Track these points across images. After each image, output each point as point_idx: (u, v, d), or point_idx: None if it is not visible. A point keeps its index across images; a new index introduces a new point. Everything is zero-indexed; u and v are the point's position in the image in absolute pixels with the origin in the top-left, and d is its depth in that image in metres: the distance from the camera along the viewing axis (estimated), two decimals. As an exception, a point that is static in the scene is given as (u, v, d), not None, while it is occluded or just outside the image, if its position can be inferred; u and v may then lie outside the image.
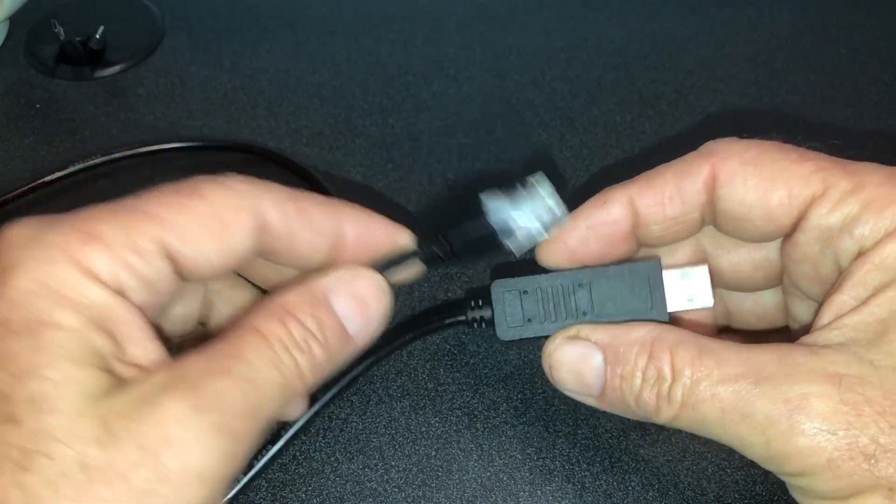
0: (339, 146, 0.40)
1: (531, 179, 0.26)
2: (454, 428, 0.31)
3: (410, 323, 0.32)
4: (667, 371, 0.23)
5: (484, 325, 0.29)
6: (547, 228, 0.26)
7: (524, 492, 0.29)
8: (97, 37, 0.43)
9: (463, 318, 0.29)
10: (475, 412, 0.31)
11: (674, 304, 0.27)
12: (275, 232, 0.22)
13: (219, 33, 0.45)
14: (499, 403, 0.31)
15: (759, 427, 0.22)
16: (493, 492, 0.29)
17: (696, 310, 0.27)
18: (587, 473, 0.30)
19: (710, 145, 0.26)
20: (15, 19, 0.44)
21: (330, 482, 0.30)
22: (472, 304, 0.29)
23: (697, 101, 0.42)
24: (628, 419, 0.31)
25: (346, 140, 0.40)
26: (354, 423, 0.31)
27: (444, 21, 0.46)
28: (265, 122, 0.41)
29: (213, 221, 0.21)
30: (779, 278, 0.27)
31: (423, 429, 0.31)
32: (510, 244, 0.26)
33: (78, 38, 0.43)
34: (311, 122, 0.41)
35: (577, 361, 0.25)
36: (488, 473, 0.30)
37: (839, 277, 0.24)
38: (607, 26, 0.46)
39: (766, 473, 0.29)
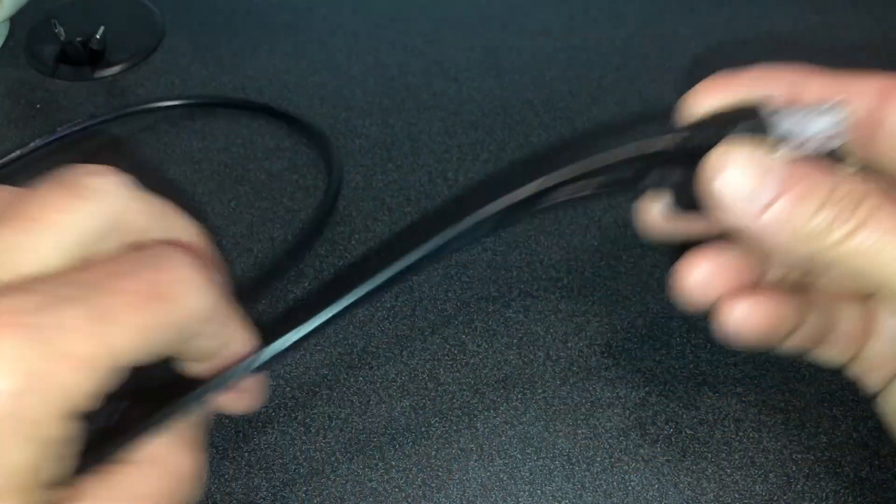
0: (339, 146, 0.40)
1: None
2: (454, 428, 0.31)
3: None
4: (857, 192, 0.22)
5: (665, 189, 0.26)
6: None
7: (524, 492, 0.29)
8: (97, 37, 0.43)
9: (646, 180, 0.26)
10: (475, 412, 0.31)
11: None
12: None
13: (219, 33, 0.45)
14: (499, 403, 0.32)
15: None
16: (493, 492, 0.29)
17: None
18: (587, 473, 0.30)
19: (878, 73, 0.26)
20: (15, 20, 0.44)
21: (330, 482, 0.30)
22: (652, 170, 0.26)
23: (697, 101, 0.42)
24: (628, 418, 0.31)
25: (346, 140, 0.40)
26: (354, 423, 0.31)
27: (444, 21, 0.46)
28: (265, 123, 0.41)
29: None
30: None
31: (423, 429, 0.31)
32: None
33: (78, 39, 0.43)
34: (311, 123, 0.41)
35: (756, 168, 0.23)
36: (488, 473, 0.30)
37: None
38: (607, 26, 0.46)
39: (766, 473, 0.29)
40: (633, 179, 0.26)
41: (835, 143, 0.24)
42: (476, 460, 0.30)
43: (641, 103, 0.42)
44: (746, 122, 0.24)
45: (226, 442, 0.30)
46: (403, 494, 0.29)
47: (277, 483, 0.30)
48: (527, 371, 0.32)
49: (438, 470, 0.30)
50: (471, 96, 0.42)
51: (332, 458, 0.30)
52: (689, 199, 0.25)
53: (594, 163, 0.26)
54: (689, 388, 0.32)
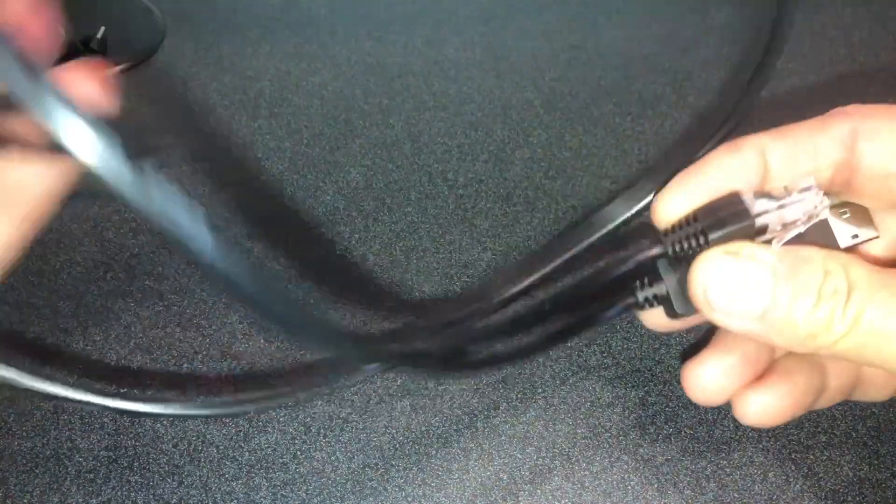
0: (339, 146, 0.40)
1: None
2: (454, 428, 0.31)
3: (566, 315, 0.27)
4: (843, 286, 0.22)
5: (656, 303, 0.26)
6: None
7: (524, 492, 0.29)
8: (98, 37, 0.43)
9: (633, 300, 0.26)
10: (475, 412, 0.31)
11: (842, 240, 0.25)
12: None
13: (219, 34, 0.45)
14: (499, 403, 0.32)
15: None
16: (492, 492, 0.29)
17: (863, 243, 0.26)
18: (587, 473, 0.30)
19: (839, 109, 0.25)
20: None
21: (330, 482, 0.30)
22: (640, 283, 0.26)
23: (697, 101, 0.42)
24: (627, 418, 0.31)
25: (346, 140, 0.40)
26: (354, 423, 0.31)
27: (444, 21, 0.46)
28: (265, 123, 0.41)
29: None
30: None
31: (423, 429, 0.31)
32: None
33: (79, 39, 0.43)
34: (312, 123, 0.41)
35: (742, 278, 0.23)
36: (488, 473, 0.30)
37: None
38: (607, 27, 0.46)
39: (766, 473, 0.29)
40: (623, 299, 0.26)
41: (816, 220, 0.24)
42: (476, 460, 0.30)
43: (641, 104, 0.42)
44: (724, 220, 0.23)
45: (226, 441, 0.30)
46: (403, 494, 0.29)
47: (277, 483, 0.30)
48: (527, 371, 0.32)
49: (438, 470, 0.30)
50: (471, 96, 0.42)
51: (332, 458, 0.30)
52: (683, 306, 0.25)
53: (579, 287, 0.26)
54: (689, 388, 0.32)
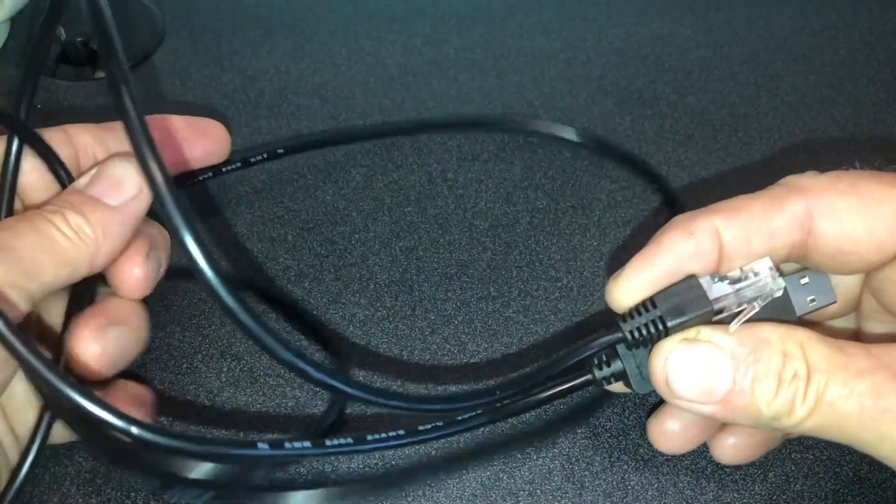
0: (339, 146, 0.40)
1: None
2: (454, 428, 0.31)
3: (521, 388, 0.26)
4: (802, 370, 0.22)
5: (614, 381, 0.26)
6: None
7: (524, 492, 0.29)
8: (98, 37, 0.43)
9: (590, 377, 0.26)
10: (475, 412, 0.31)
11: (800, 307, 0.25)
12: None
13: (219, 34, 0.45)
14: (499, 403, 0.32)
15: None
16: (492, 491, 0.29)
17: (819, 309, 0.26)
18: (587, 473, 0.30)
19: (793, 180, 0.25)
20: (16, 20, 0.44)
21: (330, 482, 0.30)
22: (597, 362, 0.26)
23: (697, 101, 0.42)
24: (627, 418, 0.31)
25: (347, 140, 0.40)
26: (354, 423, 0.31)
27: (444, 21, 0.46)
28: (266, 123, 0.41)
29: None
30: (854, 305, 0.27)
31: (423, 428, 0.31)
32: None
33: (79, 39, 0.43)
34: (312, 123, 0.41)
35: (702, 366, 0.23)
36: (488, 473, 0.30)
37: None
38: (607, 26, 0.46)
39: (766, 473, 0.29)
40: (587, 380, 0.26)
41: (770, 297, 0.24)
42: (476, 460, 0.30)
43: (641, 103, 0.42)
44: (682, 308, 0.24)
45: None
46: (403, 494, 0.29)
47: (277, 483, 0.30)
48: (527, 371, 0.32)
49: (438, 470, 0.30)
50: (471, 96, 0.42)
51: (332, 458, 0.30)
52: (642, 384, 0.25)
53: (541, 373, 0.26)
54: (689, 388, 0.32)
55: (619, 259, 0.35)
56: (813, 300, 0.26)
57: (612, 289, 0.25)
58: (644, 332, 0.24)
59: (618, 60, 0.44)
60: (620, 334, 0.25)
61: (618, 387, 0.27)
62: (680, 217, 0.25)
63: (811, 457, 0.30)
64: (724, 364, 0.23)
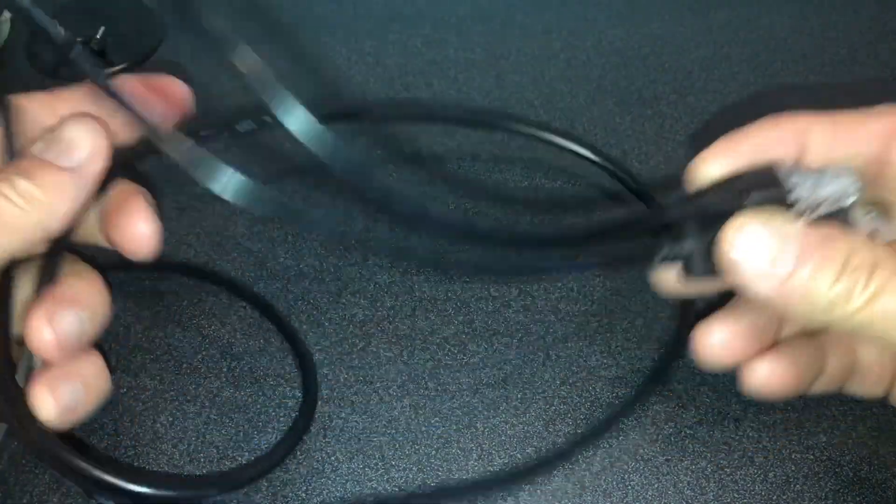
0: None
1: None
2: (454, 428, 0.31)
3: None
4: (867, 260, 0.23)
5: (674, 260, 0.26)
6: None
7: (524, 491, 0.29)
8: (98, 37, 0.43)
9: (661, 249, 0.26)
10: (475, 412, 0.31)
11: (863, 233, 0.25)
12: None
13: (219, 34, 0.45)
14: (498, 403, 0.32)
15: None
16: (493, 491, 0.29)
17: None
18: (587, 473, 0.30)
19: (880, 107, 0.26)
20: (16, 19, 0.44)
21: (330, 482, 0.30)
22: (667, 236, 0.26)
23: (697, 101, 0.42)
24: (627, 418, 0.31)
25: (347, 140, 0.40)
26: (354, 423, 0.31)
27: (444, 21, 0.46)
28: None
29: None
30: None
31: (424, 429, 0.31)
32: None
33: (79, 39, 0.43)
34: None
35: (771, 242, 0.23)
36: (488, 473, 0.30)
37: None
38: (607, 26, 0.46)
39: (766, 473, 0.29)
40: (646, 252, 0.26)
41: (846, 203, 0.24)
42: (476, 460, 0.30)
43: (641, 103, 0.42)
44: (759, 188, 0.24)
45: (226, 442, 0.30)
46: (403, 494, 0.29)
47: (277, 483, 0.30)
48: (527, 371, 0.32)
49: (438, 470, 0.30)
50: (471, 96, 0.42)
51: (332, 458, 0.30)
52: (703, 266, 0.25)
53: (610, 230, 0.26)
54: (689, 388, 0.32)
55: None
56: (876, 231, 0.25)
57: (696, 162, 0.26)
58: (718, 207, 0.24)
59: (618, 60, 0.44)
60: (696, 205, 0.25)
61: (666, 281, 0.27)
62: (773, 115, 0.26)
63: (811, 457, 0.30)
64: (791, 244, 0.23)
